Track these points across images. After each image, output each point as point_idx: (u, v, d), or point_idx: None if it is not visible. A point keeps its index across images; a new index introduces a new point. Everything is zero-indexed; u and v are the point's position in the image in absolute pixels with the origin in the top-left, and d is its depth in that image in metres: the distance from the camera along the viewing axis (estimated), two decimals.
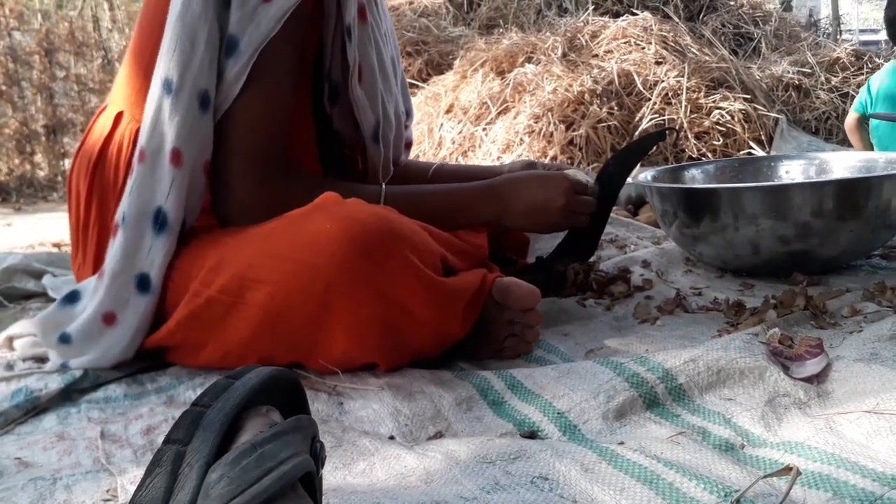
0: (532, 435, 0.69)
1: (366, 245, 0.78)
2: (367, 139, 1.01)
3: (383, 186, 0.96)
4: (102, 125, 0.96)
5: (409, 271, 0.80)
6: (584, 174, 1.10)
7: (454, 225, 0.99)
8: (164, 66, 0.85)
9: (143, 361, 0.93)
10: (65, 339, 0.90)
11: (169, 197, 0.86)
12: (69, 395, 0.87)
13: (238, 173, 0.89)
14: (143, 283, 0.87)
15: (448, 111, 3.05)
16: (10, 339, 1.02)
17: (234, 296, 0.82)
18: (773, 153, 2.58)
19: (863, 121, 2.56)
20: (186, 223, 0.90)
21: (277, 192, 0.90)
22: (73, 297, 0.92)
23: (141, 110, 0.89)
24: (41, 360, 0.96)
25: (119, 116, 0.94)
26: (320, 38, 0.94)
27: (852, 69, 3.39)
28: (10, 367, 0.96)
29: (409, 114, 1.18)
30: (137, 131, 0.89)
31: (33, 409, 0.84)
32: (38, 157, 4.48)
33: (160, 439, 0.66)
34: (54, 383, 0.87)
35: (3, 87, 4.40)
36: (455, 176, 1.22)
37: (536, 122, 2.78)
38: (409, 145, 1.20)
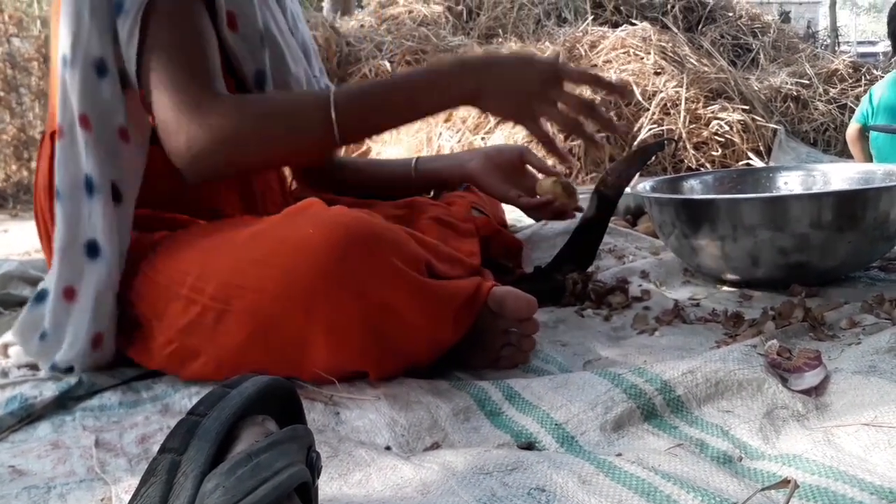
0: (529, 446, 0.68)
1: (347, 249, 0.78)
2: (250, 87, 1.00)
3: (332, 89, 0.91)
4: (45, 148, 0.98)
5: (393, 275, 0.79)
6: (561, 181, 1.09)
7: (424, 108, 0.93)
8: (61, 43, 0.87)
9: (139, 369, 0.93)
10: (43, 337, 0.90)
11: (88, 160, 0.88)
12: (64, 402, 0.87)
13: (172, 113, 0.88)
14: (91, 249, 0.89)
15: (447, 120, 3.06)
16: (6, 347, 1.02)
17: (223, 303, 0.82)
18: (771, 164, 2.59)
19: (864, 131, 2.57)
20: (124, 193, 0.90)
21: (214, 116, 0.88)
22: (41, 296, 0.93)
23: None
24: (36, 367, 0.95)
25: (53, 135, 0.95)
26: None
27: (850, 81, 3.40)
28: (4, 374, 0.95)
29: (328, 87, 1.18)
30: None
31: (28, 416, 0.83)
32: (36, 164, 4.48)
33: (155, 448, 0.65)
34: (49, 391, 0.86)
35: (2, 94, 4.41)
36: (430, 162, 1.23)
37: None
38: None
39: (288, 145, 0.93)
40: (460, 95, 0.91)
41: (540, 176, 1.24)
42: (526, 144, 2.77)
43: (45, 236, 1.00)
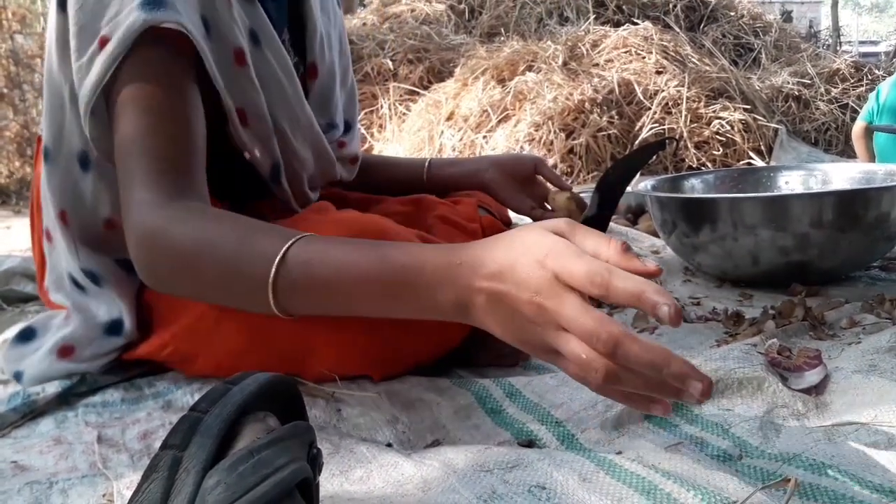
0: (530, 444, 0.69)
1: None
2: (266, 180, 0.94)
3: (285, 248, 0.67)
4: (40, 154, 0.94)
5: None
6: (575, 198, 1.07)
7: (390, 313, 0.67)
8: (45, 131, 0.85)
9: (142, 366, 0.93)
10: (18, 377, 0.89)
11: (69, 259, 0.87)
12: (66, 399, 0.87)
13: (123, 205, 0.76)
14: (113, 328, 0.88)
15: (449, 118, 3.06)
16: (6, 343, 1.02)
17: (221, 308, 0.81)
18: (772, 163, 2.59)
19: (869, 129, 2.57)
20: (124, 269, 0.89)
21: (155, 213, 0.73)
22: (27, 336, 0.91)
23: None
24: None
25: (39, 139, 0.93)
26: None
27: (852, 80, 3.40)
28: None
29: (349, 127, 1.10)
30: None
31: (30, 412, 0.84)
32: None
33: (157, 444, 0.66)
34: (52, 387, 0.86)
35: (5, 91, 4.41)
36: (444, 167, 1.20)
37: (537, 131, 2.79)
38: (354, 160, 1.12)
39: (218, 298, 0.77)
40: (441, 308, 0.62)
41: (552, 188, 1.23)
42: (525, 149, 2.77)
43: (38, 238, 0.97)
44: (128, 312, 0.88)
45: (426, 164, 1.22)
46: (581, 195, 1.19)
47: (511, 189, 1.17)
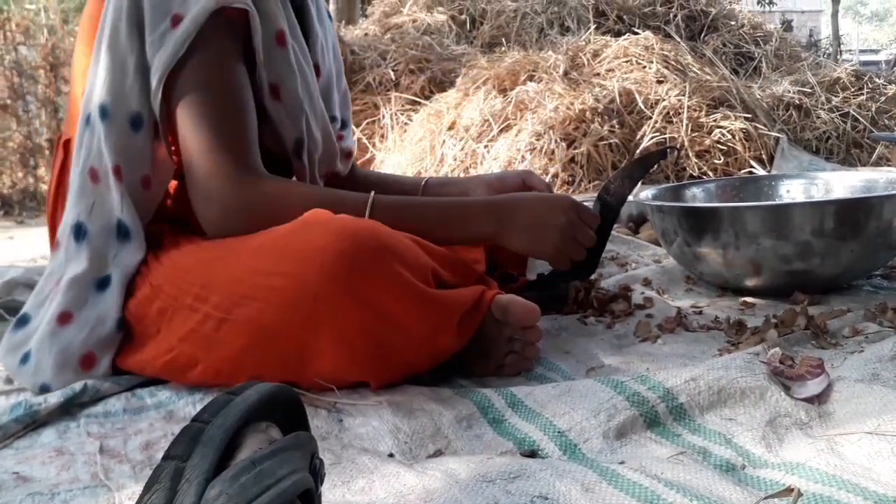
0: (532, 454, 0.68)
1: (354, 258, 0.78)
2: (289, 154, 1.02)
3: (372, 193, 0.94)
4: (58, 156, 1.01)
5: (398, 284, 0.80)
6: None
7: (448, 238, 0.96)
8: (98, 92, 0.91)
9: (144, 376, 0.93)
10: (25, 360, 0.90)
11: (123, 209, 0.92)
12: (68, 409, 0.87)
13: (206, 179, 0.90)
14: (103, 283, 0.91)
15: (450, 128, 3.07)
16: None
17: (224, 312, 0.83)
18: (773, 172, 2.59)
19: (871, 138, 2.54)
20: (139, 233, 0.94)
21: (254, 188, 0.90)
22: (23, 320, 0.94)
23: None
24: None
25: (68, 143, 0.99)
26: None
27: (853, 89, 3.40)
28: (9, 380, 0.96)
29: (344, 124, 1.20)
30: None
31: (32, 423, 0.83)
32: (42, 171, 4.50)
33: (159, 455, 0.66)
34: (54, 397, 0.86)
35: (8, 101, 4.43)
36: (439, 186, 1.24)
37: (538, 140, 2.80)
38: (349, 155, 1.20)
39: None
40: (481, 233, 0.97)
41: None
42: (527, 159, 2.77)
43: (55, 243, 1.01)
44: (121, 276, 0.91)
45: (423, 182, 1.24)
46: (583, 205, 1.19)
47: None
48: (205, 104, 0.90)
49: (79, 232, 0.91)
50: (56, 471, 0.72)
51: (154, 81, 0.89)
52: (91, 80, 0.93)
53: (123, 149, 0.91)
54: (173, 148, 0.95)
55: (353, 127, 3.35)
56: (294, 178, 1.07)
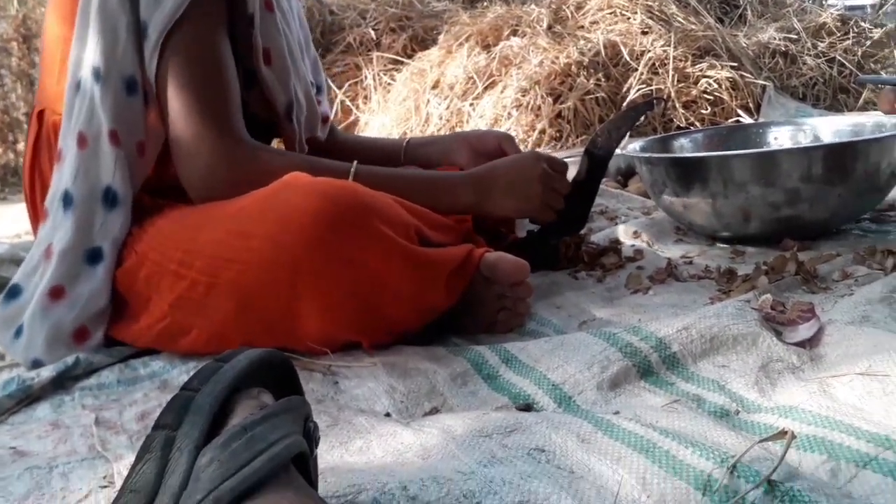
0: (527, 408, 0.69)
1: (335, 218, 0.78)
2: (281, 119, 1.03)
3: (354, 163, 0.95)
4: (32, 127, 0.99)
5: (382, 243, 0.79)
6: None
7: (432, 209, 0.97)
8: (91, 55, 0.89)
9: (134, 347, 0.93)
10: (18, 334, 0.89)
11: (115, 175, 0.90)
12: (62, 382, 0.86)
13: (191, 141, 0.89)
14: (94, 255, 0.89)
15: (434, 87, 3.03)
16: None
17: (211, 276, 0.82)
18: (760, 120, 2.58)
19: (858, 80, 2.50)
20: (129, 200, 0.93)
21: (238, 154, 0.90)
22: (14, 292, 0.92)
23: (59, 103, 0.93)
24: None
25: (41, 114, 0.97)
26: (231, 25, 0.96)
27: (838, 34, 3.37)
28: (0, 357, 0.95)
29: (319, 89, 1.20)
30: (58, 122, 0.93)
31: (26, 398, 0.83)
32: (21, 146, 4.42)
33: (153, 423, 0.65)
34: (46, 371, 0.86)
35: None
36: (420, 147, 1.24)
37: (524, 96, 2.77)
38: (325, 119, 1.20)
39: None
40: (464, 204, 1.01)
41: None
42: (513, 115, 2.75)
43: (35, 217, 0.99)
44: (112, 248, 0.90)
45: (404, 143, 1.23)
46: (570, 159, 1.18)
47: (478, 164, 1.19)
48: (191, 68, 0.90)
49: (66, 199, 0.90)
50: (53, 444, 0.71)
51: (151, 42, 0.88)
52: (78, 48, 0.90)
53: (119, 113, 0.90)
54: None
55: (336, 89, 3.30)
56: (282, 144, 1.07)
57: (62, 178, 0.91)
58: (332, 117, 1.24)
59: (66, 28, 0.93)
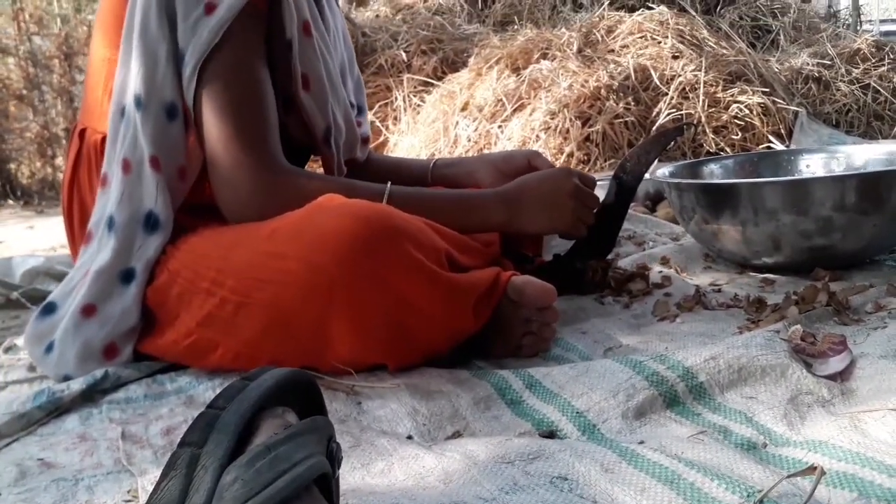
0: (551, 434, 0.68)
1: (368, 242, 0.79)
2: (319, 143, 1.03)
3: (388, 185, 0.95)
4: (73, 144, 1.02)
5: (413, 267, 0.80)
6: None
7: (464, 227, 0.98)
8: (133, 83, 0.91)
9: (164, 361, 0.94)
10: (49, 349, 0.91)
11: (158, 200, 0.91)
12: (90, 395, 0.88)
13: (231, 168, 0.90)
14: (128, 275, 0.91)
15: (463, 109, 3.05)
16: None
17: (242, 295, 0.83)
18: (792, 147, 2.55)
19: None
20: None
21: (277, 180, 0.91)
22: (48, 309, 0.94)
23: (101, 122, 0.95)
24: None
25: (83, 132, 1.00)
26: (269, 51, 0.97)
27: (873, 60, 3.33)
28: (31, 368, 0.97)
29: (360, 110, 1.21)
30: (102, 140, 0.96)
31: (55, 410, 0.85)
32: (59, 161, 4.52)
33: (179, 441, 0.66)
34: (76, 384, 0.87)
35: (24, 92, 4.45)
36: (446, 167, 1.24)
37: (552, 119, 2.77)
38: (365, 140, 1.21)
39: None
40: (496, 222, 1.00)
41: None
42: (541, 138, 2.75)
43: (72, 233, 1.01)
44: (144, 268, 0.91)
45: (431, 164, 1.24)
46: (599, 183, 1.18)
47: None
48: (229, 94, 0.91)
49: (110, 223, 0.92)
50: (80, 457, 0.72)
51: (188, 69, 0.90)
52: (123, 73, 0.93)
53: (160, 139, 0.91)
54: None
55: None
56: (320, 168, 1.08)
57: (108, 203, 0.93)
58: (371, 139, 1.24)
59: (111, 50, 0.96)
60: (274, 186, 0.91)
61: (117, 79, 0.93)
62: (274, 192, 0.91)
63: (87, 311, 0.90)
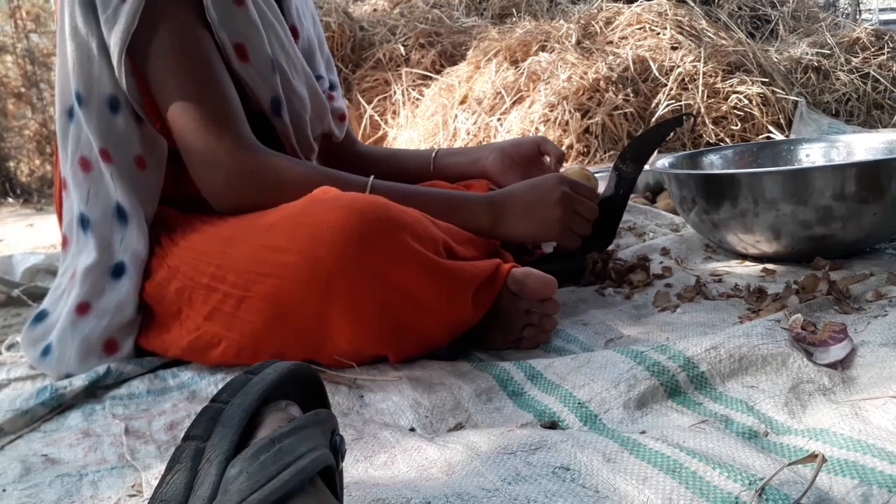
0: (553, 425, 0.68)
1: (364, 233, 0.78)
2: (267, 114, 1.01)
3: (371, 178, 0.95)
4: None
5: (410, 257, 0.80)
6: (586, 171, 1.08)
7: (450, 223, 0.95)
8: (74, 81, 0.92)
9: (166, 357, 0.94)
10: (46, 352, 0.92)
11: (117, 191, 0.93)
12: (93, 392, 0.88)
13: (205, 152, 0.90)
14: (117, 270, 0.92)
15: (462, 102, 3.04)
16: None
17: (243, 289, 0.84)
18: (792, 137, 2.55)
19: None
20: (146, 215, 0.95)
21: (252, 159, 0.91)
22: (40, 315, 0.96)
23: None
24: None
25: None
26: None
27: (873, 49, 3.33)
28: (33, 367, 0.97)
29: (333, 85, 1.19)
30: None
31: (58, 406, 0.85)
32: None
33: (183, 435, 0.66)
34: (78, 381, 0.88)
35: (23, 90, 4.45)
36: (449, 157, 1.23)
37: (552, 111, 2.77)
38: (342, 117, 1.19)
39: None
40: (480, 226, 0.98)
41: (567, 166, 1.23)
42: (541, 130, 2.75)
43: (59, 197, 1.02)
44: (135, 262, 0.92)
45: (433, 154, 1.23)
46: (598, 175, 1.18)
47: (512, 174, 1.18)
48: (184, 79, 0.90)
49: (83, 222, 0.93)
50: (83, 452, 0.73)
51: (115, 60, 0.89)
52: (62, 75, 0.93)
53: (106, 132, 0.92)
54: (158, 126, 0.95)
55: (366, 104, 3.33)
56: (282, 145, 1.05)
57: (73, 204, 0.94)
58: (348, 114, 1.22)
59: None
60: (254, 162, 0.91)
61: (58, 82, 0.94)
62: (255, 167, 0.91)
63: (82, 309, 0.91)
